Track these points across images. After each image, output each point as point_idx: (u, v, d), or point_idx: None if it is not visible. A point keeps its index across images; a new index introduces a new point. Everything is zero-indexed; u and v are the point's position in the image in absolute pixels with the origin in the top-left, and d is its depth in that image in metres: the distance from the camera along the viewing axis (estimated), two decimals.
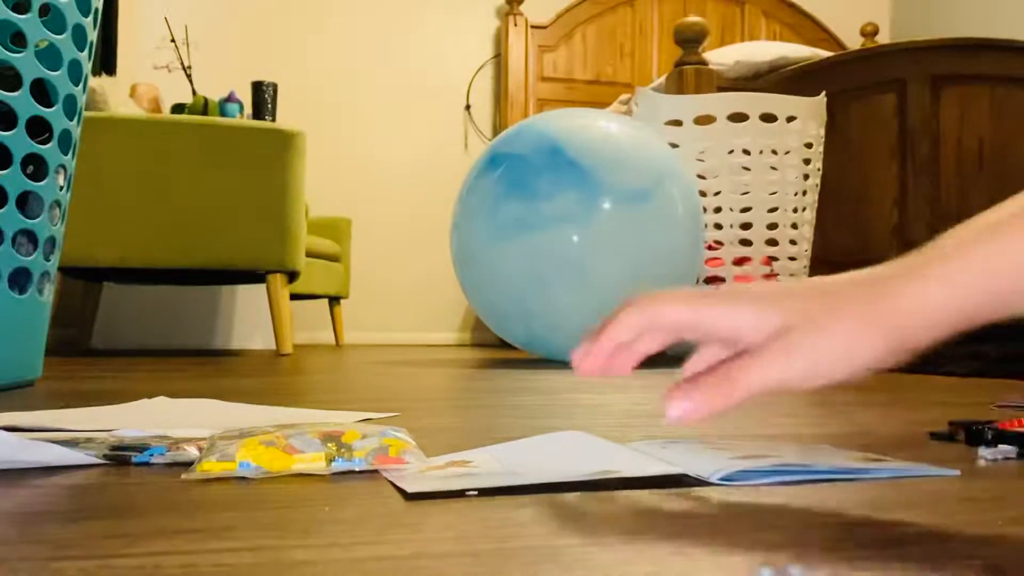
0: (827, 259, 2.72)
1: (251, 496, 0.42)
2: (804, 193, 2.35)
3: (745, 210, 2.28)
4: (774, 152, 2.27)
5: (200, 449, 0.51)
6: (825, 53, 2.97)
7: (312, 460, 0.48)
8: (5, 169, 1.04)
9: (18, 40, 1.05)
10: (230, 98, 2.58)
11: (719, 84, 2.59)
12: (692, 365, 0.40)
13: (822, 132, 2.39)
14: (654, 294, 0.40)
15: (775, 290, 0.37)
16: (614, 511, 0.39)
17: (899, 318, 0.35)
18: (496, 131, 4.18)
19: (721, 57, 2.81)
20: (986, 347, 1.89)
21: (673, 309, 0.38)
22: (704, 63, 2.58)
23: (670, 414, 0.35)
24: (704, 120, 2.25)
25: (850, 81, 2.79)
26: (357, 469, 0.48)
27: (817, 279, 0.38)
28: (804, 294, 0.37)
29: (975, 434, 0.59)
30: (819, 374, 0.35)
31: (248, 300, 3.29)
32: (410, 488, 0.42)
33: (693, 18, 2.59)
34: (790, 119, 2.30)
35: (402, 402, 0.93)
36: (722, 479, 0.45)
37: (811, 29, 4.44)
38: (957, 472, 0.49)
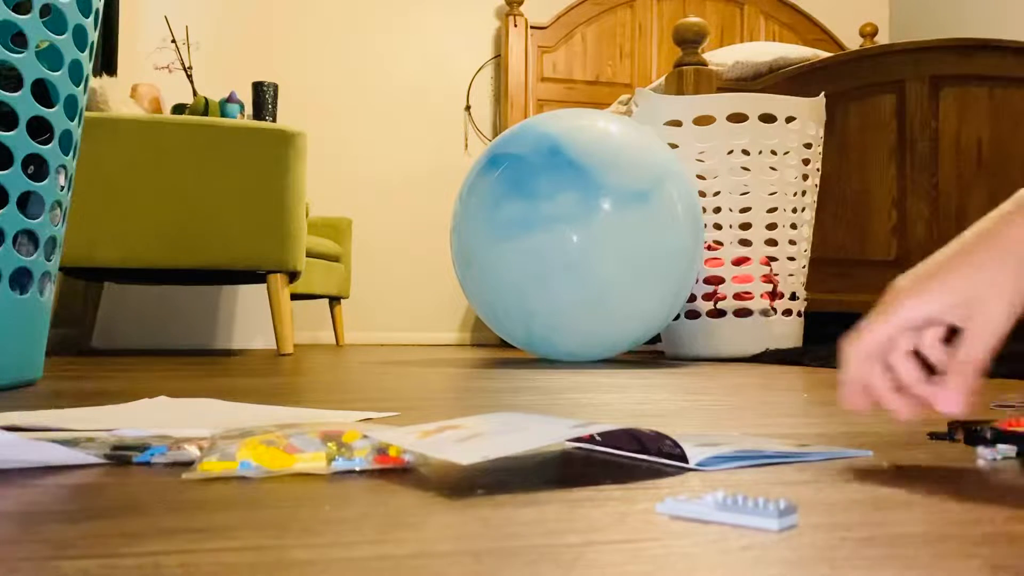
0: (827, 259, 2.73)
1: (252, 495, 0.42)
2: (803, 193, 2.35)
3: (744, 210, 2.28)
4: (773, 152, 2.28)
5: (201, 449, 0.51)
6: (825, 53, 2.97)
7: (312, 459, 0.48)
8: (6, 169, 1.04)
9: (19, 41, 1.05)
10: (231, 98, 2.58)
11: (718, 85, 2.59)
12: (909, 376, 0.49)
13: (821, 132, 2.39)
14: (862, 327, 0.49)
15: (943, 265, 0.47)
16: (614, 511, 0.39)
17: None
18: (496, 131, 4.18)
19: (720, 57, 2.81)
20: None
21: (884, 328, 0.49)
22: (703, 64, 2.58)
23: (950, 411, 0.46)
24: (703, 120, 2.26)
25: (849, 81, 2.79)
26: (357, 469, 0.48)
27: (964, 238, 0.48)
28: (963, 263, 0.47)
29: (974, 434, 0.59)
30: (1008, 322, 0.46)
31: (248, 300, 3.30)
32: (464, 460, 0.43)
33: (692, 19, 2.59)
34: (789, 119, 2.30)
35: (402, 402, 0.93)
36: (699, 464, 0.50)
37: (810, 29, 4.45)
38: (870, 452, 0.57)
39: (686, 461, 0.50)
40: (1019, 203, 0.47)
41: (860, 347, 0.49)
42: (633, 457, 0.53)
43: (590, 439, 0.57)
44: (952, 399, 0.46)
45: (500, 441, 0.47)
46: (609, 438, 0.55)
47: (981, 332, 0.45)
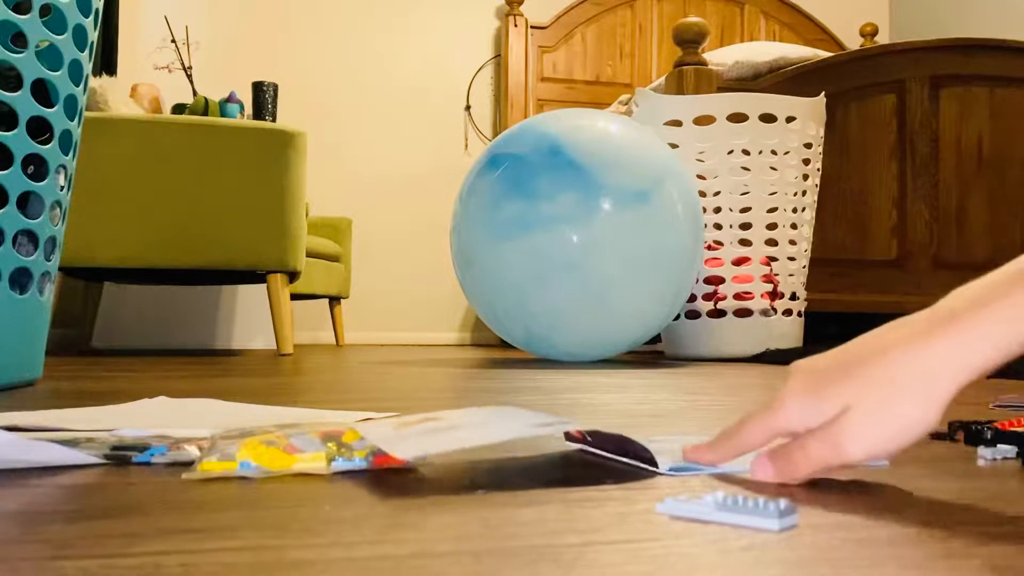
0: (827, 259, 2.73)
1: (252, 496, 0.42)
2: (804, 193, 2.35)
3: (745, 210, 2.28)
4: (774, 152, 2.28)
5: (201, 449, 0.51)
6: (825, 53, 2.97)
7: (312, 459, 0.48)
8: (6, 169, 1.04)
9: (19, 40, 1.05)
10: (231, 98, 2.58)
11: (719, 84, 2.59)
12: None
13: (821, 132, 2.39)
14: (740, 422, 0.47)
15: (835, 368, 0.43)
16: (614, 511, 0.39)
17: (947, 388, 0.39)
18: (496, 131, 4.18)
19: (721, 57, 2.81)
20: None
21: (756, 434, 0.45)
22: (704, 63, 2.58)
23: (754, 474, 0.45)
24: (704, 120, 2.26)
25: (850, 81, 2.79)
26: (357, 469, 0.48)
27: (868, 345, 0.43)
28: (859, 370, 0.42)
29: (974, 434, 0.59)
30: (879, 451, 0.41)
31: (248, 300, 3.30)
32: (402, 454, 0.44)
33: (693, 18, 2.59)
34: (790, 119, 2.30)
35: (402, 402, 0.93)
36: (671, 470, 0.49)
37: (811, 29, 4.45)
38: (885, 463, 0.53)
39: (655, 465, 0.49)
40: (932, 320, 0.41)
41: (730, 452, 0.47)
42: (609, 458, 0.53)
43: (581, 438, 0.57)
44: (759, 474, 0.45)
45: (451, 437, 0.47)
46: (598, 438, 0.55)
47: (837, 445, 0.41)
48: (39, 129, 1.09)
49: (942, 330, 0.40)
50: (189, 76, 2.89)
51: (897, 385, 0.40)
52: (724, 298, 2.28)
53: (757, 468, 0.45)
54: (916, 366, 0.40)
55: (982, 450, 0.56)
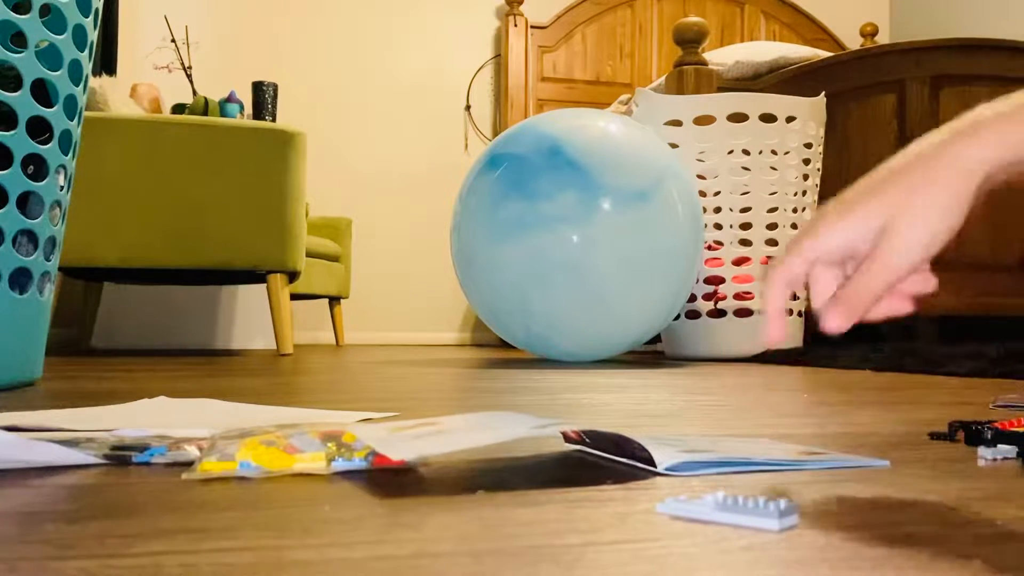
0: None
1: (251, 496, 0.42)
2: (804, 193, 2.35)
3: (745, 210, 2.28)
4: (774, 152, 2.27)
5: (200, 449, 0.51)
6: (825, 53, 2.97)
7: (312, 460, 0.48)
8: (5, 169, 1.04)
9: (19, 40, 1.05)
10: (230, 98, 2.58)
11: (719, 84, 2.59)
12: (822, 291, 0.45)
13: (822, 132, 2.39)
14: (780, 256, 0.45)
15: (863, 190, 0.44)
16: (614, 511, 0.39)
17: (970, 183, 0.41)
18: (496, 131, 4.18)
19: (721, 57, 2.81)
20: (986, 347, 1.89)
21: (798, 259, 0.44)
22: (704, 63, 2.58)
23: (829, 326, 0.43)
24: (704, 120, 2.25)
25: (850, 81, 2.79)
26: (357, 469, 0.48)
27: (890, 166, 0.44)
28: (887, 187, 0.43)
29: (974, 434, 0.59)
30: (927, 251, 0.41)
31: (248, 300, 3.30)
32: (400, 455, 0.44)
33: (693, 18, 2.59)
34: (790, 119, 2.30)
35: (402, 402, 0.93)
36: (668, 469, 0.48)
37: (811, 29, 4.45)
38: (887, 463, 0.53)
39: (654, 464, 0.49)
40: (955, 129, 0.43)
41: (776, 279, 0.45)
42: (608, 458, 0.53)
43: (579, 439, 0.57)
44: (831, 323, 0.43)
45: (446, 440, 0.47)
46: (595, 438, 0.55)
47: (886, 259, 0.41)
48: (39, 129, 1.09)
49: (961, 133, 0.42)
50: (189, 76, 2.89)
51: (928, 188, 0.41)
52: (724, 298, 2.28)
53: (824, 321, 0.44)
54: (941, 166, 0.41)
55: (982, 450, 0.56)
